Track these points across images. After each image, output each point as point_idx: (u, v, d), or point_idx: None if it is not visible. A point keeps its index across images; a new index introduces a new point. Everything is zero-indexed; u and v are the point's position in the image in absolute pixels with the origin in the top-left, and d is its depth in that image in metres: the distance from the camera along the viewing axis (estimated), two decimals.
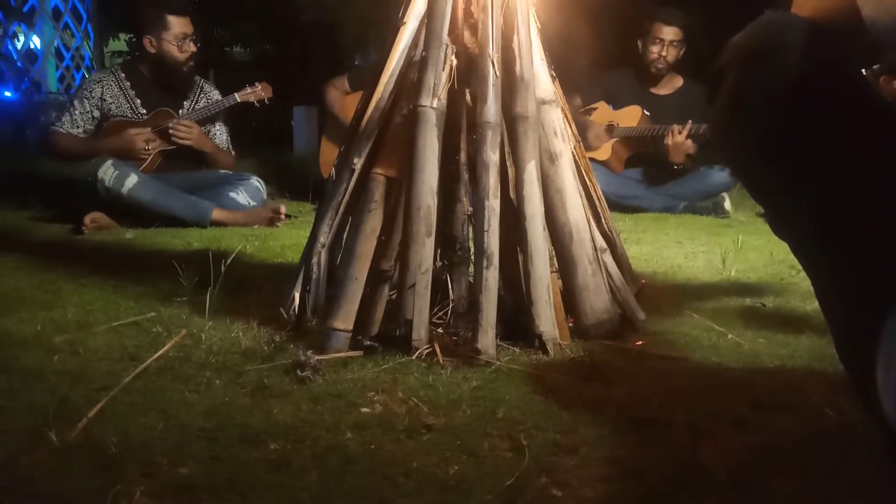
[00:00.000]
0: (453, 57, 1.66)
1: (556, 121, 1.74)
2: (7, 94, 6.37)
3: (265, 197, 3.43)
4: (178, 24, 3.28)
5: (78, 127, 3.30)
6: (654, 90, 3.83)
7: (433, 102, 1.63)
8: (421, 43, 1.69)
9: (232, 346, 1.61)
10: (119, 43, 8.36)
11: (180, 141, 3.29)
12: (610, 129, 3.76)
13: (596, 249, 1.75)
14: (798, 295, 2.09)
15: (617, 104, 3.83)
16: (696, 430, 1.23)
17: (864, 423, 1.18)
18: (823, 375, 1.47)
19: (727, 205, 3.57)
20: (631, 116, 3.74)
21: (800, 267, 2.36)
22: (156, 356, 1.52)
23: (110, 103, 3.31)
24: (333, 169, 1.78)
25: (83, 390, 1.37)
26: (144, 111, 3.34)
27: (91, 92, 3.32)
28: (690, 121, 3.51)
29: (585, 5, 4.66)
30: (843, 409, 1.30)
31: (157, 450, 1.16)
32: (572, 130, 1.82)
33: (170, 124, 3.29)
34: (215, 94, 3.46)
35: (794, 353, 1.61)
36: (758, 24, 1.04)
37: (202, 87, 3.48)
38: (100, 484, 1.05)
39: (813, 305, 1.98)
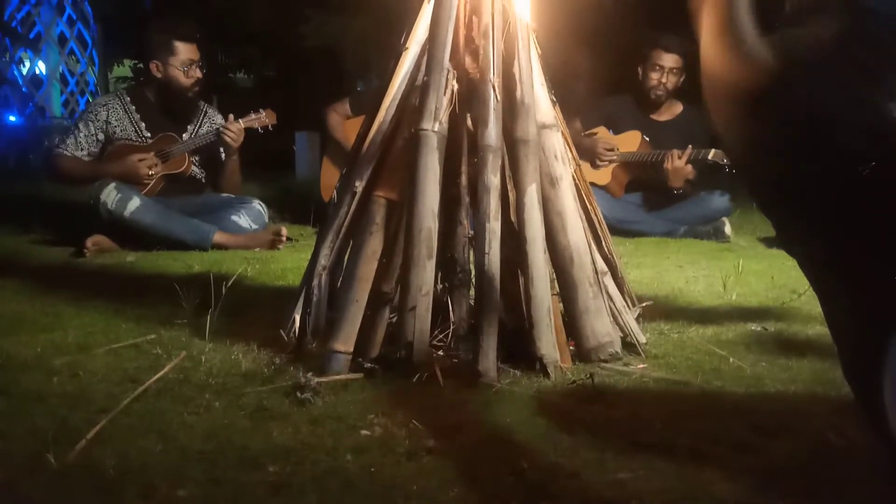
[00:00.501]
0: (454, 82, 1.68)
1: (557, 145, 1.75)
2: (12, 118, 6.43)
3: (266, 220, 3.44)
4: (185, 51, 3.31)
5: (82, 149, 3.32)
6: (653, 116, 3.86)
7: (434, 126, 1.64)
8: (423, 68, 1.70)
9: (232, 368, 1.61)
10: (123, 69, 8.45)
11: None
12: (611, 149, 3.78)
13: (597, 272, 1.75)
14: (799, 319, 2.08)
15: (617, 130, 3.85)
16: (698, 454, 1.22)
17: (867, 447, 1.18)
18: (826, 399, 1.46)
19: (727, 229, 3.58)
20: (631, 142, 3.76)
21: (801, 291, 2.38)
22: (155, 378, 1.52)
23: (115, 126, 3.33)
24: (335, 192, 1.79)
25: (83, 412, 1.37)
26: (149, 135, 3.36)
27: (96, 115, 3.34)
28: (690, 146, 3.53)
29: (586, 32, 4.72)
30: (846, 433, 1.29)
31: (156, 472, 1.15)
32: (572, 154, 1.83)
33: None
34: (219, 119, 3.49)
35: (797, 377, 1.60)
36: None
37: (206, 112, 3.50)
38: None
39: (815, 330, 1.97)
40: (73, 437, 1.25)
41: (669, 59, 3.72)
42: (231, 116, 3.41)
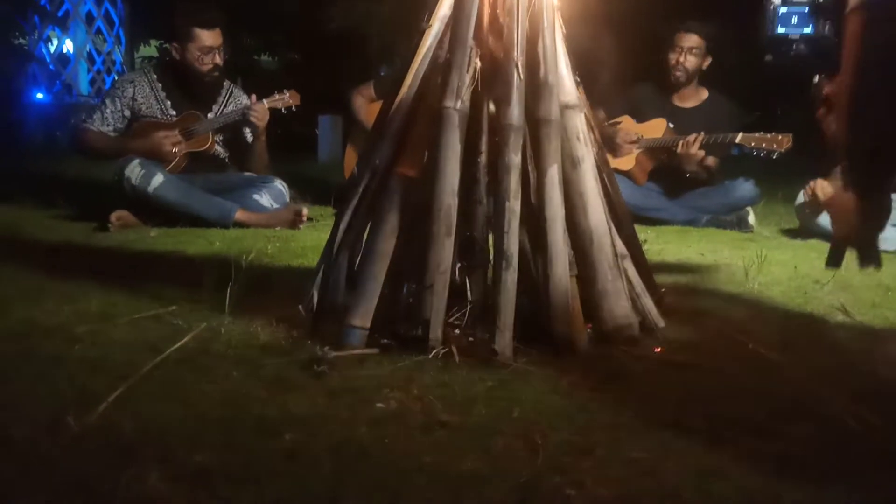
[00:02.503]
0: (477, 60, 1.67)
1: (579, 125, 1.74)
2: (39, 96, 6.50)
3: (287, 199, 3.45)
4: (203, 37, 3.32)
5: (108, 125, 3.35)
6: (678, 103, 3.81)
7: (457, 104, 1.64)
8: (446, 45, 1.69)
9: (250, 341, 1.62)
10: (150, 48, 8.50)
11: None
12: (635, 140, 3.75)
13: (616, 255, 1.74)
14: (822, 308, 2.06)
15: (641, 118, 3.81)
16: (713, 436, 1.21)
17: (886, 433, 1.17)
18: (846, 386, 1.45)
19: (751, 219, 3.54)
20: (656, 129, 3.72)
21: (824, 281, 2.35)
22: (175, 347, 1.53)
23: (141, 103, 3.35)
24: (355, 168, 1.79)
25: (103, 378, 1.39)
26: (174, 113, 3.38)
27: (123, 91, 3.37)
28: (702, 132, 3.49)
29: (612, 19, 4.67)
30: (865, 420, 1.28)
31: (174, 437, 1.17)
32: (595, 136, 1.81)
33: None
34: (244, 98, 3.50)
35: (817, 364, 1.59)
36: None
37: (231, 92, 3.52)
38: (115, 468, 1.05)
39: (837, 319, 1.95)
40: (94, 401, 1.27)
41: (689, 40, 3.69)
42: (254, 97, 3.42)
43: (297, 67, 7.70)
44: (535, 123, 1.67)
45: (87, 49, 6.97)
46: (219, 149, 3.46)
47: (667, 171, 3.72)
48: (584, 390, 1.42)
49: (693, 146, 3.50)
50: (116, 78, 5.79)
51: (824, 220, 3.24)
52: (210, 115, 3.43)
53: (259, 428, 1.21)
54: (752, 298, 2.15)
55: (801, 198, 3.32)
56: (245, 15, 6.85)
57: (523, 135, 1.66)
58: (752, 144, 3.43)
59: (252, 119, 3.34)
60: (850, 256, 2.95)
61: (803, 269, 2.56)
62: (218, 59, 3.36)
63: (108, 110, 3.35)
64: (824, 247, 3.12)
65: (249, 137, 3.47)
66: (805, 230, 3.35)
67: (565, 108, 1.72)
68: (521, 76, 1.65)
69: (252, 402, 1.31)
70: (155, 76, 3.42)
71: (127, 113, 3.35)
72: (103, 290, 2.04)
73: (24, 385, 1.35)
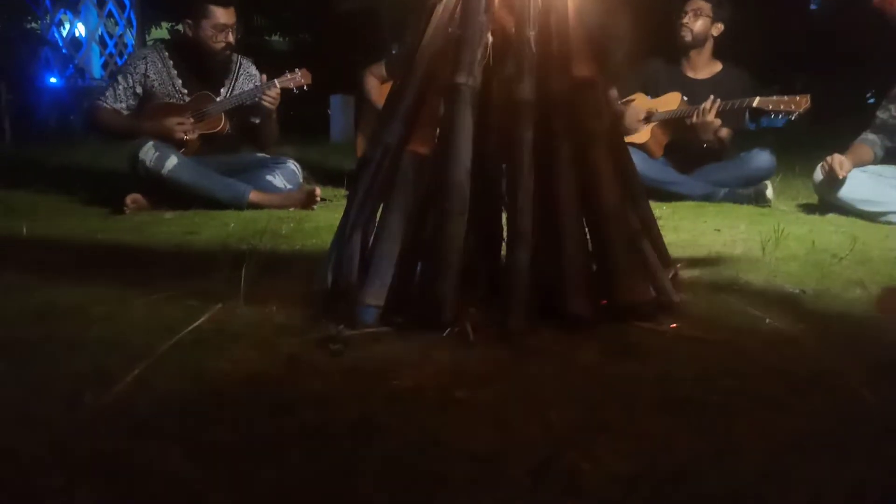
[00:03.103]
0: (489, 34, 1.65)
1: (593, 100, 1.72)
2: (52, 80, 6.53)
3: (301, 180, 3.46)
4: (218, 15, 3.31)
5: (121, 102, 3.35)
6: (691, 74, 3.77)
7: (468, 80, 1.62)
8: (457, 21, 1.68)
9: (266, 321, 1.63)
10: (161, 31, 8.50)
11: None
12: (649, 114, 3.71)
13: (631, 231, 1.73)
14: (840, 283, 2.04)
15: (655, 93, 3.77)
16: (729, 411, 1.21)
17: None
18: (863, 360, 1.43)
19: (769, 193, 3.50)
20: (670, 103, 3.68)
21: (843, 255, 2.32)
22: (191, 327, 1.54)
23: (153, 80, 3.35)
24: (367, 146, 1.78)
25: (119, 358, 1.40)
26: (185, 91, 3.38)
27: (135, 68, 3.37)
28: (715, 97, 3.45)
29: None
30: (882, 393, 1.27)
31: (191, 415, 1.18)
32: (609, 110, 1.79)
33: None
34: (253, 70, 3.50)
35: (834, 338, 1.57)
36: None
37: (241, 64, 3.51)
38: (133, 446, 1.07)
39: (854, 293, 1.93)
40: (111, 381, 1.28)
41: (696, 2, 3.67)
42: (264, 77, 3.41)
43: (309, 47, 7.69)
44: (547, 98, 1.65)
45: (99, 32, 6.98)
46: (231, 128, 3.46)
47: (682, 144, 3.69)
48: (598, 366, 1.42)
49: (710, 113, 3.45)
50: (129, 54, 5.79)
51: (843, 194, 3.20)
52: (221, 93, 3.42)
53: (275, 406, 1.21)
54: (769, 273, 2.13)
55: (818, 173, 3.28)
56: None
57: (536, 110, 1.65)
58: (770, 107, 3.39)
59: (265, 103, 3.34)
60: (869, 229, 2.93)
61: (821, 243, 2.53)
62: (231, 38, 3.35)
63: (120, 87, 3.35)
64: (842, 221, 3.11)
65: (258, 119, 3.46)
66: (823, 204, 3.32)
67: (578, 82, 1.69)
68: (534, 50, 1.63)
69: (268, 380, 1.32)
70: (167, 53, 3.42)
71: (139, 90, 3.35)
72: (119, 273, 2.05)
73: (43, 366, 1.36)
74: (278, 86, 3.39)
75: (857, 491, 0.99)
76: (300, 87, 3.46)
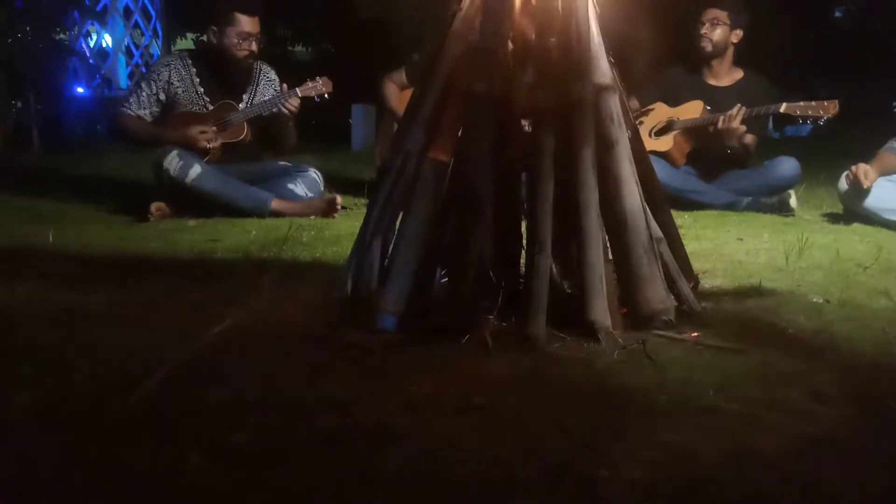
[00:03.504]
0: (510, 42, 1.66)
1: (614, 107, 1.71)
2: (80, 90, 6.63)
3: (322, 188, 3.47)
4: (243, 23, 3.35)
5: (144, 108, 3.40)
6: (712, 82, 3.74)
7: (488, 87, 1.63)
8: (477, 28, 1.68)
9: (287, 326, 1.64)
10: (186, 42, 8.61)
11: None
12: (670, 123, 3.69)
13: (652, 239, 1.72)
14: (865, 292, 2.01)
15: (676, 101, 3.75)
16: (750, 419, 1.20)
17: None
18: (889, 371, 1.42)
19: (793, 202, 3.46)
20: (692, 111, 3.65)
21: (867, 264, 2.29)
22: (214, 332, 1.56)
23: (177, 87, 3.39)
24: (387, 153, 1.80)
25: (143, 363, 1.41)
26: (208, 99, 3.42)
27: (159, 75, 3.41)
28: (741, 105, 3.42)
29: (643, 3, 4.59)
30: None
31: (213, 418, 1.19)
32: (630, 118, 1.79)
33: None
34: (273, 75, 3.53)
35: (858, 348, 1.55)
36: None
37: (261, 70, 3.54)
38: (156, 448, 1.08)
39: (880, 303, 1.91)
40: (134, 384, 1.30)
41: (711, 12, 3.65)
42: (284, 86, 3.44)
43: (331, 57, 7.74)
44: (568, 105, 1.65)
45: (126, 43, 7.09)
46: (253, 137, 3.49)
47: (705, 152, 3.66)
48: (618, 374, 1.41)
49: (735, 119, 3.43)
50: (153, 62, 5.88)
51: (868, 203, 3.16)
52: (244, 99, 3.46)
53: (295, 411, 1.22)
54: (792, 283, 2.11)
55: (843, 182, 3.24)
56: (279, 5, 6.90)
57: (556, 117, 1.65)
58: (798, 112, 3.36)
59: (286, 111, 3.37)
60: (895, 239, 2.89)
61: (846, 252, 2.50)
62: (254, 47, 3.39)
63: (143, 94, 3.40)
64: (867, 230, 3.07)
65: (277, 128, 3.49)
66: (848, 214, 3.27)
67: (599, 89, 1.69)
68: (555, 58, 1.63)
69: (288, 385, 1.33)
70: (190, 61, 3.46)
71: (162, 96, 3.39)
72: (143, 279, 2.08)
73: (68, 369, 1.39)
74: (300, 94, 3.41)
75: (879, 500, 0.97)
76: (321, 96, 3.48)
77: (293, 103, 3.36)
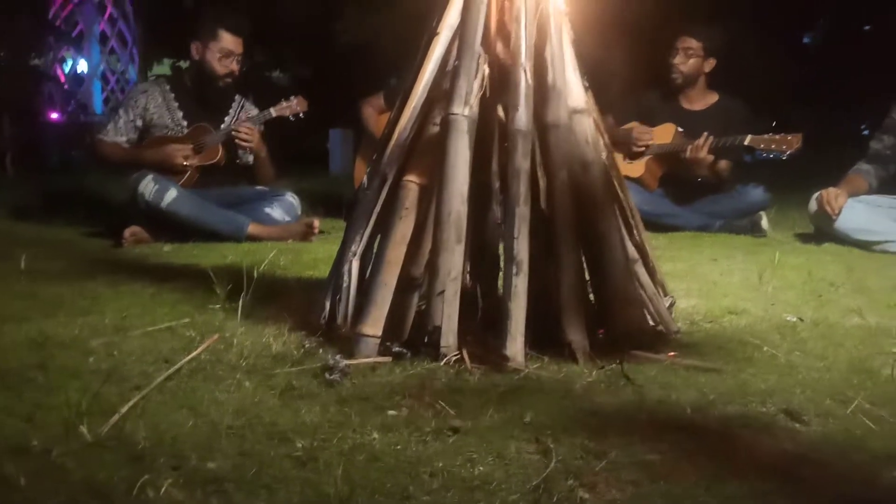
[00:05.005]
0: (486, 66, 1.68)
1: (588, 130, 1.74)
2: (54, 115, 6.59)
3: (299, 213, 3.47)
4: (227, 41, 3.36)
5: (122, 135, 3.39)
6: (687, 106, 3.81)
7: (465, 110, 1.64)
8: (454, 52, 1.70)
9: (263, 350, 1.63)
10: (163, 67, 8.59)
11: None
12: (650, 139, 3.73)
13: (627, 259, 1.74)
14: (838, 311, 2.04)
15: (651, 123, 3.81)
16: (727, 437, 1.20)
17: None
18: (863, 387, 1.43)
19: (764, 223, 3.51)
20: (665, 134, 3.71)
21: (840, 283, 2.33)
22: (188, 358, 1.54)
23: (153, 113, 3.39)
24: (365, 177, 1.80)
25: (116, 389, 1.40)
26: (185, 123, 3.41)
27: (136, 101, 3.41)
28: (711, 135, 3.48)
29: (619, 24, 4.67)
30: (883, 420, 1.26)
31: (187, 445, 1.17)
32: (605, 140, 1.81)
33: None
34: (254, 111, 3.53)
35: (832, 365, 1.57)
36: None
37: (243, 106, 3.55)
38: (129, 475, 1.06)
39: (853, 321, 1.93)
40: (107, 410, 1.27)
41: (685, 42, 3.70)
42: (256, 110, 3.44)
43: (309, 82, 7.76)
44: (543, 128, 1.67)
45: (101, 69, 7.06)
46: (229, 161, 3.48)
47: (678, 177, 3.71)
48: (596, 395, 1.41)
49: (702, 150, 3.48)
50: (130, 88, 5.86)
51: (838, 224, 3.22)
52: (222, 127, 3.45)
53: (271, 435, 1.21)
54: (766, 302, 2.13)
55: (812, 204, 3.30)
56: (256, 30, 6.93)
57: (532, 140, 1.67)
58: (762, 146, 3.41)
59: (238, 142, 3.34)
60: (865, 258, 2.94)
61: (818, 272, 2.54)
62: (235, 67, 3.39)
63: (121, 121, 3.39)
64: (839, 250, 3.12)
65: (249, 159, 3.48)
66: (819, 234, 3.33)
67: (574, 112, 1.72)
68: (530, 81, 1.65)
69: (264, 410, 1.32)
70: (168, 86, 3.46)
71: (139, 123, 3.39)
72: (118, 304, 2.05)
73: (39, 395, 1.36)
74: (274, 114, 3.41)
75: None
76: (296, 115, 3.48)
77: (242, 131, 3.31)
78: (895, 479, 1.07)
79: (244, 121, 3.38)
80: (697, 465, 1.11)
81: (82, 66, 7.05)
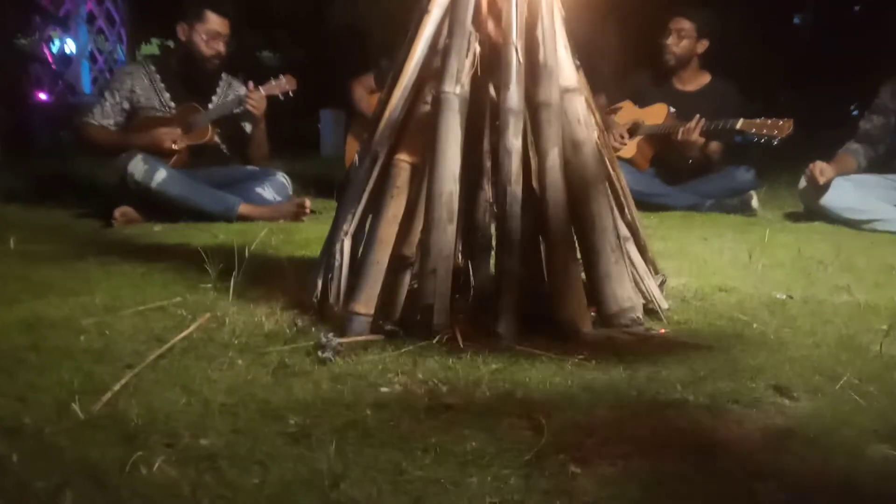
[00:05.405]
0: (477, 44, 1.67)
1: (580, 109, 1.73)
2: (42, 96, 6.52)
3: (290, 192, 3.45)
4: (213, 22, 3.32)
5: (108, 118, 3.35)
6: (680, 87, 3.80)
7: (456, 89, 1.63)
8: (445, 31, 1.69)
9: (255, 329, 1.63)
10: (151, 47, 8.50)
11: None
12: (635, 126, 3.73)
13: (619, 238, 1.74)
14: (826, 288, 2.06)
15: (643, 103, 3.80)
16: (716, 412, 1.22)
17: (888, 406, 1.17)
18: (851, 364, 1.45)
19: (755, 203, 3.52)
20: (657, 114, 3.70)
21: (829, 262, 2.34)
22: (180, 337, 1.54)
23: (140, 95, 3.35)
24: (357, 156, 1.80)
25: (109, 368, 1.40)
26: (173, 104, 3.38)
27: (122, 84, 3.37)
28: (702, 118, 3.47)
29: (611, 5, 4.64)
30: (871, 395, 1.28)
31: (180, 423, 1.17)
32: (596, 119, 1.81)
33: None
34: (242, 90, 3.50)
35: (821, 341, 1.59)
36: None
37: (230, 84, 3.52)
38: (122, 452, 1.07)
39: (842, 298, 1.95)
40: (100, 389, 1.28)
41: (678, 23, 3.69)
42: (251, 84, 3.42)
43: (299, 63, 7.69)
44: (535, 107, 1.67)
45: (89, 49, 6.98)
46: (219, 141, 3.46)
47: (669, 157, 3.71)
48: (587, 371, 1.42)
49: (693, 133, 3.48)
50: (115, 71, 5.80)
51: (827, 202, 3.23)
52: (210, 107, 3.42)
53: (264, 413, 1.21)
54: (756, 280, 2.14)
55: (802, 181, 3.31)
56: (247, 11, 6.86)
57: (524, 119, 1.66)
58: (753, 130, 3.41)
59: (249, 108, 3.34)
60: (854, 237, 2.96)
61: (807, 251, 2.56)
62: (222, 48, 3.36)
63: (107, 104, 3.35)
64: (828, 229, 3.13)
65: (248, 128, 3.47)
66: (809, 213, 3.34)
67: (565, 91, 1.71)
68: (521, 60, 1.64)
69: (257, 388, 1.32)
70: (153, 68, 3.42)
71: (126, 105, 3.35)
72: (108, 284, 2.05)
73: (32, 375, 1.36)
74: (264, 93, 3.39)
75: (844, 489, 1.00)
76: (286, 94, 3.45)
77: (255, 98, 3.33)
78: (882, 453, 1.09)
79: (253, 90, 3.35)
80: (687, 441, 1.12)
81: (70, 47, 6.97)
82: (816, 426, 1.18)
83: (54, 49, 6.87)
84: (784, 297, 1.96)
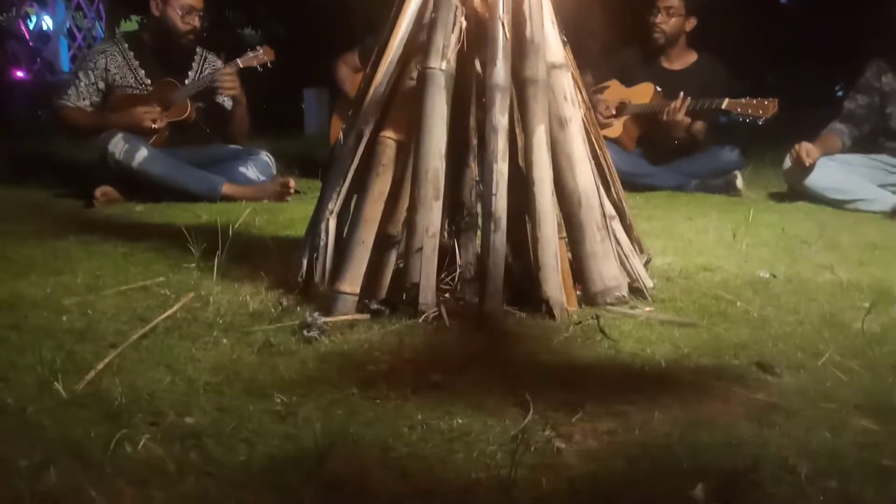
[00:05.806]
0: (463, 19, 1.65)
1: (567, 85, 1.72)
2: (20, 74, 6.41)
3: (274, 172, 3.42)
4: None
5: (84, 99, 3.30)
6: (666, 65, 3.79)
7: (442, 64, 1.62)
8: (430, 5, 1.67)
9: (239, 309, 1.62)
10: (131, 24, 8.37)
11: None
12: (622, 106, 3.73)
13: (605, 216, 1.74)
14: (810, 267, 2.07)
15: (629, 82, 3.79)
16: (700, 389, 1.22)
17: (873, 380, 1.18)
18: (833, 340, 1.46)
19: (739, 183, 3.54)
20: (643, 93, 3.70)
21: (812, 241, 2.36)
22: (164, 316, 1.53)
23: (115, 74, 3.30)
24: (341, 133, 1.78)
25: (91, 347, 1.38)
26: (149, 81, 3.33)
27: (95, 63, 3.32)
28: (688, 97, 3.47)
29: None
30: (852, 371, 1.29)
31: (164, 401, 1.17)
32: (583, 97, 1.80)
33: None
34: (219, 64, 3.45)
35: (804, 319, 1.60)
36: None
37: (206, 58, 3.47)
38: (106, 431, 1.06)
39: (825, 277, 1.96)
40: (82, 369, 1.27)
41: (667, 0, 3.66)
42: (220, 62, 3.38)
43: (281, 41, 7.60)
44: (521, 83, 1.66)
45: (67, 25, 6.87)
46: (200, 118, 3.41)
47: (655, 137, 3.71)
48: (573, 349, 1.43)
49: (679, 112, 3.48)
50: (87, 51, 5.70)
51: (811, 182, 3.25)
52: (187, 82, 3.37)
53: (249, 391, 1.21)
54: (740, 258, 2.16)
55: (787, 161, 3.33)
56: None
57: (510, 95, 1.65)
58: (738, 110, 3.41)
59: (220, 86, 3.29)
60: (838, 216, 2.98)
61: (791, 230, 2.57)
62: (196, 23, 3.31)
63: (82, 84, 3.30)
64: (812, 209, 3.15)
65: (228, 104, 3.43)
66: (793, 193, 3.36)
67: (552, 67, 1.70)
68: (507, 35, 1.63)
69: (242, 367, 1.31)
70: (126, 45, 3.36)
71: (101, 85, 3.30)
72: (90, 264, 2.02)
73: (13, 355, 1.34)
74: (241, 65, 3.35)
75: (826, 462, 1.01)
76: (263, 65, 3.41)
77: (226, 77, 3.28)
78: (863, 427, 1.10)
79: (222, 69, 3.31)
80: (671, 416, 1.13)
81: (47, 23, 6.85)
82: (799, 401, 1.19)
83: (31, 25, 6.75)
84: (768, 275, 1.97)
